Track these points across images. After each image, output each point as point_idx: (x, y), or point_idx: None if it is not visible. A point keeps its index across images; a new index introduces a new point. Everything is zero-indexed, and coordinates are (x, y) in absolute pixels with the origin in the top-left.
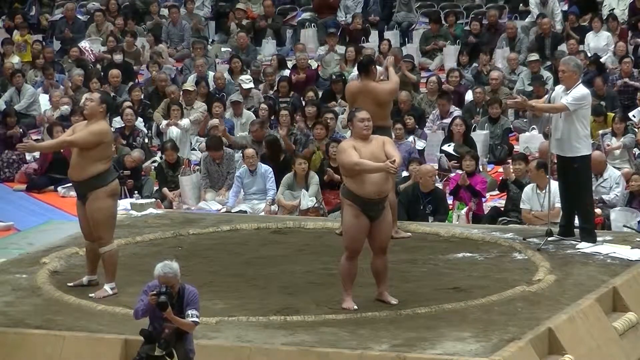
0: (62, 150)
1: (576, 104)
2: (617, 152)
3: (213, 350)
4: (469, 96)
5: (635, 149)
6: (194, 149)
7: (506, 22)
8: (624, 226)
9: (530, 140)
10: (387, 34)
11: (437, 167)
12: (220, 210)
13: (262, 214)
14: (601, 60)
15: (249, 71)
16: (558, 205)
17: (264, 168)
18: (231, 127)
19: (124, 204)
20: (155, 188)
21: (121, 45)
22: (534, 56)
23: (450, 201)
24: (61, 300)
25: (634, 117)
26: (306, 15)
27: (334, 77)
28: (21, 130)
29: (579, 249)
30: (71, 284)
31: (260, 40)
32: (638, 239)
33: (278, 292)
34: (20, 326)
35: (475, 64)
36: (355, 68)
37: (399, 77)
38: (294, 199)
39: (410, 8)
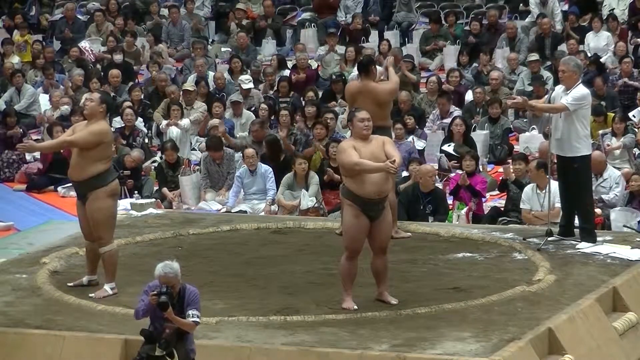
0: (62, 151)
1: (576, 104)
2: (617, 152)
3: (213, 350)
4: (469, 96)
5: (635, 149)
6: (194, 149)
7: (506, 22)
8: (624, 226)
9: (530, 140)
10: (387, 34)
11: (437, 167)
12: (220, 210)
13: (262, 214)
14: (601, 60)
15: (249, 71)
16: (558, 205)
17: (264, 168)
18: (231, 127)
19: (124, 204)
20: (155, 188)
21: (121, 45)
22: (534, 56)
23: (450, 201)
24: (61, 300)
25: (634, 117)
26: (306, 15)
27: (334, 77)
28: (21, 130)
29: (579, 249)
30: (71, 284)
31: (260, 40)
32: (638, 239)
33: (278, 292)
34: (20, 326)
35: (475, 64)
36: (355, 68)
37: (399, 77)
38: (294, 199)
39: (410, 8)
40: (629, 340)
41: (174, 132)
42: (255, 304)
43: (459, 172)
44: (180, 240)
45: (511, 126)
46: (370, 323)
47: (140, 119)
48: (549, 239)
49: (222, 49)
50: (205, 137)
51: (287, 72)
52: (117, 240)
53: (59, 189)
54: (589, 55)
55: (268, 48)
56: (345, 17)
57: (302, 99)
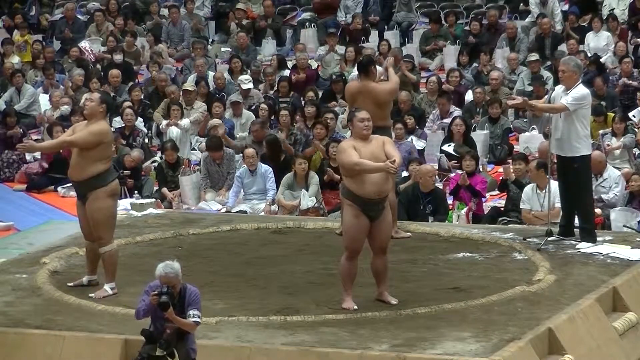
0: (62, 151)
1: (576, 104)
2: (617, 152)
3: (213, 350)
4: (469, 96)
5: (635, 149)
6: (194, 149)
7: (506, 22)
8: (624, 226)
9: (530, 140)
10: (387, 34)
11: (437, 167)
12: (220, 210)
13: (262, 214)
14: (601, 60)
15: (248, 71)
16: (558, 205)
17: (264, 168)
18: (231, 127)
19: (124, 204)
20: (155, 188)
21: (121, 45)
22: (534, 56)
23: (450, 201)
24: (61, 300)
25: (634, 117)
26: (306, 15)
27: (334, 77)
28: (21, 130)
29: (579, 249)
30: (71, 284)
31: (260, 40)
32: (638, 239)
33: (278, 292)
34: (20, 326)
35: (475, 64)
36: (355, 68)
37: (399, 77)
38: (294, 199)
39: (410, 8)
40: (629, 340)
41: (174, 132)
42: (255, 304)
43: (459, 172)
44: (180, 240)
45: (511, 126)
46: (370, 323)
47: (140, 119)
48: (549, 239)
49: (222, 49)
50: (205, 137)
51: (287, 72)
52: (117, 240)
53: (59, 189)
54: (589, 55)
55: (268, 48)
56: (345, 17)
57: (302, 99)
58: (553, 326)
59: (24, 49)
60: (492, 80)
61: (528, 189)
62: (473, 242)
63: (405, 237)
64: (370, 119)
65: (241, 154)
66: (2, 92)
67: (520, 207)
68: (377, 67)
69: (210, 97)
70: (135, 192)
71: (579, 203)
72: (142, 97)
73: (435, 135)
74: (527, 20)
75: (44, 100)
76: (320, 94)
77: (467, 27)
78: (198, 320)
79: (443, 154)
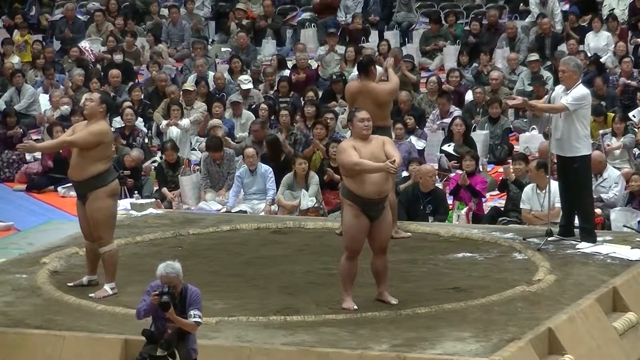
0: (61, 151)
1: (576, 104)
2: (617, 152)
3: (213, 350)
4: (469, 96)
5: (635, 149)
6: (194, 149)
7: (506, 22)
8: (624, 226)
9: (530, 140)
10: (387, 34)
11: (437, 167)
12: (220, 210)
13: (262, 214)
14: (601, 60)
15: (248, 71)
16: (558, 205)
17: (264, 168)
18: (231, 127)
19: (124, 204)
20: (155, 188)
21: (121, 45)
22: (534, 56)
23: (450, 201)
24: (61, 300)
25: (634, 117)
26: (306, 15)
27: (334, 77)
28: (21, 130)
29: (579, 249)
30: (71, 284)
31: (260, 40)
32: (638, 239)
33: (278, 292)
34: (20, 326)
35: (475, 64)
36: (355, 68)
37: (399, 77)
38: (294, 199)
39: (410, 8)
40: (629, 340)
41: (174, 132)
42: (255, 304)
43: (459, 172)
44: (180, 240)
45: (511, 126)
46: (370, 323)
47: (140, 119)
48: (549, 239)
49: (222, 49)
50: (205, 137)
51: (287, 72)
52: (117, 240)
53: (59, 189)
54: (589, 55)
55: (268, 48)
56: (345, 17)
57: (302, 99)
58: (553, 326)
59: (24, 49)
60: (492, 80)
61: (528, 189)
62: (473, 242)
63: (405, 237)
64: (370, 119)
65: (241, 155)
66: (2, 92)
67: (520, 207)
68: (377, 67)
69: (210, 97)
70: (135, 192)
71: (579, 203)
72: (142, 97)
73: (435, 135)
74: (527, 20)
75: (44, 100)
76: (320, 94)
77: (467, 27)
78: (199, 320)
79: (443, 154)
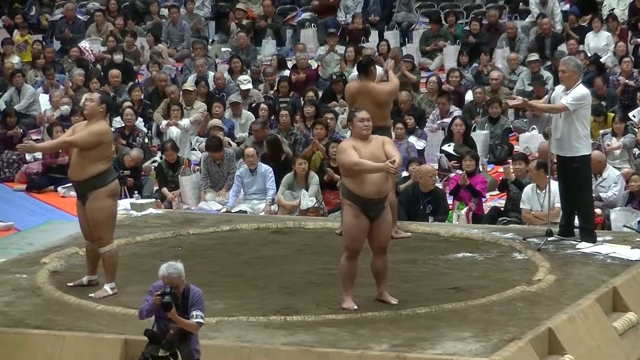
0: (61, 151)
1: (576, 104)
2: (617, 152)
3: (213, 350)
4: (469, 96)
5: (635, 149)
6: (194, 149)
7: (506, 22)
8: (624, 226)
9: (530, 140)
10: (387, 34)
11: (437, 167)
12: (220, 210)
13: (262, 214)
14: (601, 60)
15: (248, 71)
16: (558, 205)
17: (264, 168)
18: (231, 127)
19: (124, 204)
20: (155, 188)
21: (121, 45)
22: (534, 56)
23: (450, 201)
24: (61, 300)
25: (634, 117)
26: (306, 15)
27: (334, 77)
28: (21, 130)
29: (579, 249)
30: (71, 284)
31: (260, 40)
32: (638, 239)
33: (278, 292)
34: (20, 326)
35: (475, 64)
36: (355, 68)
37: (399, 77)
38: (294, 199)
39: (410, 8)
40: (629, 340)
41: (174, 132)
42: (255, 304)
43: (459, 172)
44: (180, 240)
45: (511, 126)
46: (370, 323)
47: (140, 119)
48: (549, 239)
49: (222, 49)
50: (205, 137)
51: (287, 72)
52: (117, 240)
53: (59, 189)
54: (589, 55)
55: (268, 48)
56: (345, 17)
57: (302, 99)
58: (553, 326)
59: (24, 49)
60: (492, 80)
61: (528, 189)
62: (473, 242)
63: (405, 237)
64: (370, 119)
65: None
66: (2, 92)
67: (520, 207)
68: (377, 67)
69: (210, 97)
70: (135, 192)
71: (579, 203)
72: (142, 97)
73: (435, 135)
74: (527, 20)
75: (44, 100)
76: (320, 94)
77: (467, 27)
78: (201, 321)
79: (443, 154)
